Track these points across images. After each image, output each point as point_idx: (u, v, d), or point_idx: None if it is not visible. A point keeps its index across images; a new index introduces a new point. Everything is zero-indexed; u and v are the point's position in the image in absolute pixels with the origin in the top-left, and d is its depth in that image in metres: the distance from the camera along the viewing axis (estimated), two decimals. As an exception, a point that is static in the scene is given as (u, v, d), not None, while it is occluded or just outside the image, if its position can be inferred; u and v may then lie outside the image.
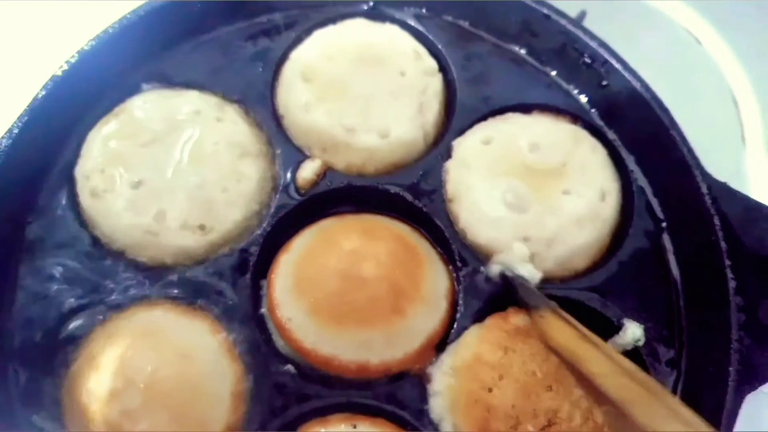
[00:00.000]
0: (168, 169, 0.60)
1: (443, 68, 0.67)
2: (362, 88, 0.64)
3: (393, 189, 0.63)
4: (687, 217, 0.60)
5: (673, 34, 0.95)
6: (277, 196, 0.62)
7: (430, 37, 0.68)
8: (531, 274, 0.58)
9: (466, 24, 0.69)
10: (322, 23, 0.68)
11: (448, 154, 0.64)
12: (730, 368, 0.55)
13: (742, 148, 0.88)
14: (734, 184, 0.84)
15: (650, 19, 0.95)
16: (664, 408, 0.46)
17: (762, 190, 0.85)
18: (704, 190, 0.59)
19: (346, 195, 0.63)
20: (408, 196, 0.63)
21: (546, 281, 0.60)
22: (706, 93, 0.92)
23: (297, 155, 0.64)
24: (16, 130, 0.59)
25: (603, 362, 0.51)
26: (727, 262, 0.57)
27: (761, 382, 0.55)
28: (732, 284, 0.56)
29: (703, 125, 0.88)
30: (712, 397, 0.55)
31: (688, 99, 0.89)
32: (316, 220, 0.63)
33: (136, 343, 0.55)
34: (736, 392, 0.54)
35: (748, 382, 0.55)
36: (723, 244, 0.57)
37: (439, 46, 0.68)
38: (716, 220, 0.58)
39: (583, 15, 0.84)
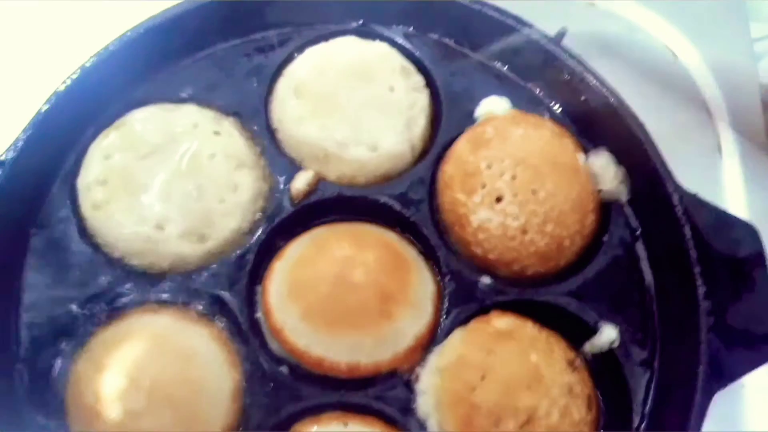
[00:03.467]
0: (167, 180, 0.62)
1: (430, 84, 0.70)
2: (353, 103, 0.67)
3: (382, 199, 0.66)
4: (660, 225, 0.63)
5: (651, 48, 0.99)
6: (272, 205, 0.65)
7: (417, 54, 0.71)
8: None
9: (451, 42, 0.72)
10: (315, 40, 0.70)
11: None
12: (700, 368, 0.58)
13: (718, 157, 0.92)
14: (710, 192, 0.88)
15: (629, 33, 0.99)
16: None
17: (736, 197, 0.89)
18: (676, 200, 0.62)
19: (338, 204, 0.66)
20: (396, 205, 0.66)
21: (526, 285, 0.64)
22: (683, 105, 0.96)
23: (290, 167, 0.66)
24: (20, 143, 0.61)
25: None
26: (697, 269, 0.60)
27: (729, 381, 0.59)
28: (701, 289, 0.59)
29: (680, 136, 0.93)
30: (683, 396, 0.58)
31: (665, 111, 0.94)
32: (309, 228, 0.66)
33: (139, 346, 0.57)
34: (704, 391, 0.57)
35: (717, 382, 0.58)
36: (693, 252, 0.60)
37: (426, 63, 0.71)
38: (687, 230, 0.61)
39: (563, 31, 0.88)
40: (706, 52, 0.97)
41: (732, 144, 0.93)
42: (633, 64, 0.97)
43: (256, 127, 0.68)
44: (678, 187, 0.63)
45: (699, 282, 0.60)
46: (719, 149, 0.92)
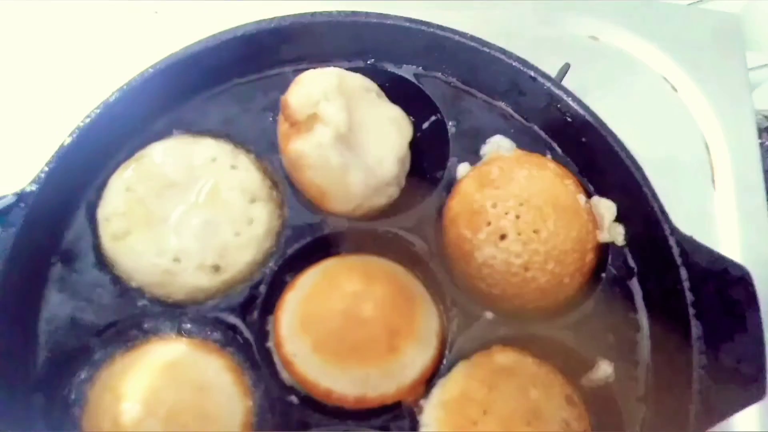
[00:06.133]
0: (185, 213, 0.65)
1: (439, 121, 0.73)
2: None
3: (390, 233, 0.69)
4: (656, 266, 0.66)
5: (650, 81, 1.02)
6: (285, 237, 0.68)
7: (427, 92, 0.74)
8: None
9: (458, 82, 0.75)
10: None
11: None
12: (691, 406, 0.60)
13: (712, 190, 0.95)
14: (703, 224, 0.91)
15: (630, 67, 1.02)
16: None
17: (729, 230, 0.92)
18: (672, 243, 0.65)
19: (347, 237, 0.69)
20: (403, 239, 0.68)
21: (526, 319, 0.67)
22: (680, 138, 0.99)
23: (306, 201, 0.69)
24: (43, 176, 0.64)
25: None
26: (692, 311, 0.62)
27: (719, 419, 0.61)
28: (695, 330, 0.62)
29: (676, 169, 0.96)
30: (675, 432, 0.61)
31: (662, 143, 0.97)
32: (320, 260, 0.68)
33: (155, 376, 0.60)
34: (695, 429, 0.60)
35: (707, 419, 0.61)
36: (689, 294, 0.63)
37: (434, 101, 0.73)
38: (683, 272, 0.63)
39: (567, 68, 0.91)
40: (705, 86, 1.00)
41: (726, 178, 0.96)
42: (633, 96, 1.00)
43: (270, 162, 0.70)
44: (675, 230, 0.65)
45: (693, 323, 0.62)
46: (713, 181, 0.95)
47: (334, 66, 0.71)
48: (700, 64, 1.01)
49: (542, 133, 0.74)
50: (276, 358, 0.64)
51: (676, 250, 0.64)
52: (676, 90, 1.01)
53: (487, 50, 0.72)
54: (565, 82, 0.84)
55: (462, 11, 0.99)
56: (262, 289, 0.66)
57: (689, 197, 0.93)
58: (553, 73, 0.76)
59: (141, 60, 0.70)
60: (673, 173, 0.95)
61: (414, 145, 0.72)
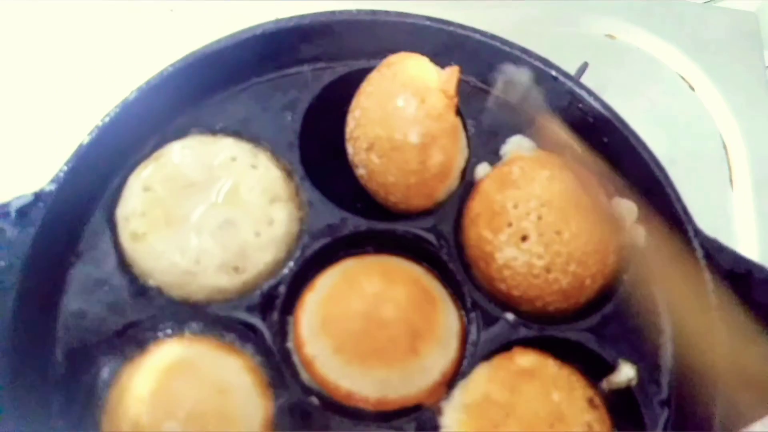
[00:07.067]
0: (205, 213, 0.64)
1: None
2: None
3: (410, 233, 0.68)
4: (678, 268, 0.65)
5: (667, 80, 1.02)
6: (304, 237, 0.67)
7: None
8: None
9: (478, 81, 0.74)
10: (345, 77, 0.72)
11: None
12: (715, 410, 0.60)
13: (729, 189, 0.94)
14: (721, 223, 0.91)
15: (646, 65, 1.02)
16: None
17: (747, 229, 0.92)
18: (696, 245, 0.64)
19: (367, 237, 0.69)
20: (423, 239, 0.68)
21: (547, 321, 0.66)
22: (698, 136, 0.99)
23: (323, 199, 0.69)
24: (62, 175, 0.63)
25: None
26: (716, 313, 0.62)
27: (744, 424, 0.61)
28: (720, 333, 0.61)
29: (693, 168, 0.95)
30: (699, 437, 0.60)
31: (679, 141, 0.97)
32: (339, 260, 0.68)
33: (175, 377, 0.59)
34: (720, 432, 0.59)
35: (732, 424, 0.60)
36: (713, 297, 0.62)
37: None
38: (707, 275, 0.63)
39: (585, 66, 0.90)
40: (722, 85, 1.00)
41: (744, 177, 0.95)
42: (650, 95, 1.00)
43: (290, 161, 0.70)
44: (699, 232, 0.65)
45: (717, 326, 0.62)
46: (731, 181, 0.95)
47: (352, 64, 0.70)
48: (717, 63, 1.01)
49: (563, 133, 0.73)
50: (296, 359, 0.64)
51: (700, 252, 0.64)
52: (693, 89, 1.00)
53: (508, 49, 0.71)
54: (582, 81, 0.83)
55: (477, 9, 0.99)
56: (282, 289, 0.65)
57: (707, 196, 0.93)
58: (569, 71, 0.75)
59: (157, 57, 0.69)
60: (691, 172, 0.94)
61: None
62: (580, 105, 0.71)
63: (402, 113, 0.66)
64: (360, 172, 0.69)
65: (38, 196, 0.62)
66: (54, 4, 0.95)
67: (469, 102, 0.73)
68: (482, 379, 0.62)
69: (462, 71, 0.70)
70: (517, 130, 0.73)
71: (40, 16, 0.94)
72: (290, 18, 0.70)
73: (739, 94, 0.99)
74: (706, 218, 0.67)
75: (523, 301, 0.66)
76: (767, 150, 0.97)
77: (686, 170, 0.86)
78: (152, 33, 0.92)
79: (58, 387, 0.62)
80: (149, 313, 0.64)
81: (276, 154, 0.70)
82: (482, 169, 0.71)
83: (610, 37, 1.00)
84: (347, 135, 0.70)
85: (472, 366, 0.64)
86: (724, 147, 0.97)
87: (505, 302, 0.67)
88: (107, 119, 0.65)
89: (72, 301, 0.64)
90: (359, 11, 0.71)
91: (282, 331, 0.65)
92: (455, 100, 0.67)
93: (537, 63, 0.71)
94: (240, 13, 0.85)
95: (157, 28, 0.93)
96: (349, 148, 0.70)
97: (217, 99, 0.72)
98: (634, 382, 0.64)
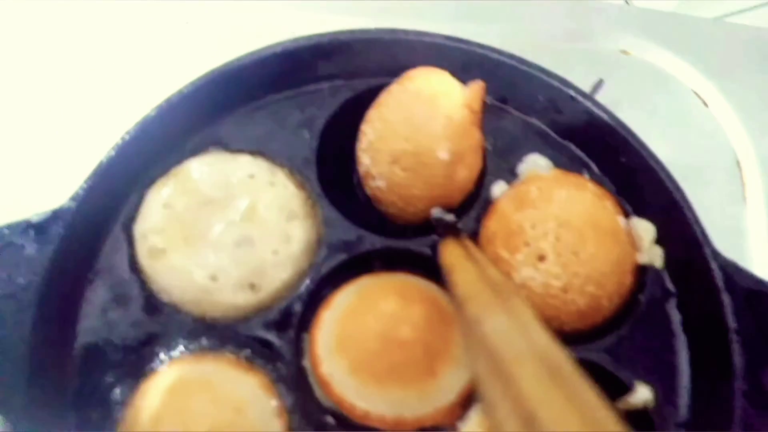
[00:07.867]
0: (223, 230, 0.65)
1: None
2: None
3: (426, 251, 0.68)
4: (696, 290, 0.65)
5: (681, 96, 1.01)
6: (321, 254, 0.67)
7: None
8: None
9: (494, 100, 0.74)
10: (362, 94, 0.72)
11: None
12: (733, 432, 0.60)
13: (743, 206, 0.94)
14: (733, 239, 0.90)
15: (660, 81, 1.01)
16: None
17: (759, 245, 0.91)
18: (714, 267, 0.64)
19: (383, 255, 0.69)
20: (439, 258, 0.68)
21: (563, 341, 0.66)
22: (711, 153, 0.98)
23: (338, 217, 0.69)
24: (81, 192, 0.64)
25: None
26: (735, 336, 0.62)
27: (760, 447, 0.61)
28: (738, 357, 0.61)
29: (707, 184, 0.95)
30: (716, 459, 0.60)
31: (693, 158, 0.96)
32: (355, 277, 0.68)
33: (191, 395, 0.59)
34: (737, 456, 0.59)
35: (749, 447, 0.60)
36: (731, 320, 0.62)
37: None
38: (725, 297, 0.63)
39: (600, 83, 0.90)
40: (736, 101, 1.00)
41: (758, 193, 0.95)
42: (663, 111, 0.99)
43: (307, 178, 0.70)
44: (717, 254, 0.65)
45: (736, 350, 0.61)
46: (744, 197, 0.95)
47: (370, 82, 0.70)
48: (731, 79, 1.01)
49: (579, 152, 0.73)
50: (311, 378, 0.64)
51: (718, 274, 0.64)
52: (706, 105, 1.00)
53: (527, 68, 0.71)
54: (597, 97, 0.83)
55: (490, 25, 0.99)
56: (298, 306, 0.65)
57: (720, 213, 0.92)
58: (584, 87, 0.75)
59: (173, 70, 0.70)
60: (704, 188, 0.93)
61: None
62: (597, 124, 0.70)
63: (430, 129, 0.66)
64: (378, 183, 0.69)
65: (57, 214, 0.63)
66: (70, 23, 0.95)
67: (486, 120, 0.73)
68: (499, 400, 0.62)
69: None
70: (533, 148, 0.73)
71: (57, 35, 0.94)
72: (310, 36, 0.70)
73: (753, 110, 0.99)
74: (719, 235, 0.67)
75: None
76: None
77: (699, 186, 0.86)
78: (167, 45, 0.92)
79: (75, 405, 0.62)
80: (166, 330, 0.64)
81: (293, 171, 0.70)
82: (498, 188, 0.71)
83: (625, 53, 1.00)
84: (363, 146, 0.69)
85: (488, 386, 0.63)
86: (738, 163, 0.97)
87: (522, 322, 0.67)
88: (127, 137, 0.65)
89: (89, 318, 0.65)
90: (378, 30, 0.71)
91: (298, 348, 0.65)
92: (480, 115, 0.67)
93: (556, 83, 0.71)
94: (254, 26, 0.85)
95: (173, 40, 0.93)
96: (365, 159, 0.69)
97: (235, 116, 0.72)
98: (651, 405, 0.64)
